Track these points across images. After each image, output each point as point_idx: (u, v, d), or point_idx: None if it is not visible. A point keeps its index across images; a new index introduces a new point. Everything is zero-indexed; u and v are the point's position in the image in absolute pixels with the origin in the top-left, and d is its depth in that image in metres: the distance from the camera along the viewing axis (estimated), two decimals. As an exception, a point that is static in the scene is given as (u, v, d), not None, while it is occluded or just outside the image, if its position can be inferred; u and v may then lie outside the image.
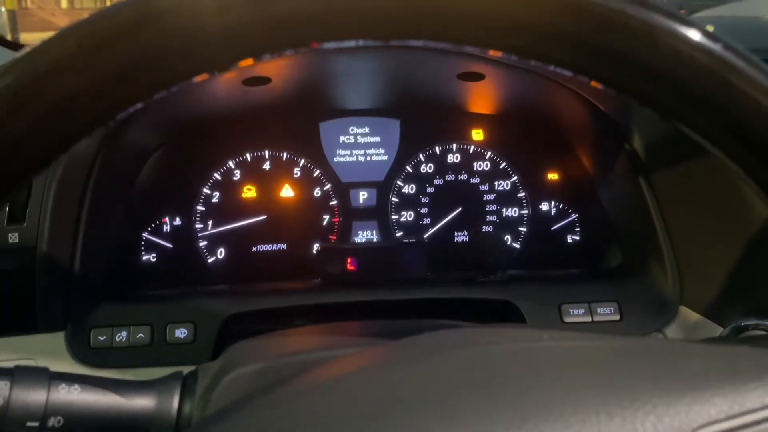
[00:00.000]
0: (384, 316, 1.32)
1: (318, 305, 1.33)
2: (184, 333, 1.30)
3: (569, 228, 1.82)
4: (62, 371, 0.84)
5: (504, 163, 1.82)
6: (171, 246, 1.71)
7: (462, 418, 0.48)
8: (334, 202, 1.79)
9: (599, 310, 1.34)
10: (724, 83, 0.51)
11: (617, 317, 1.33)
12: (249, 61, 0.49)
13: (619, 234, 1.63)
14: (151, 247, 1.70)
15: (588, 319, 1.33)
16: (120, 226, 1.54)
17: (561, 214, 1.82)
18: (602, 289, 1.38)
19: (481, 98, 1.76)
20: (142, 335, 1.28)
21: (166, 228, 1.71)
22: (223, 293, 1.42)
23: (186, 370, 0.93)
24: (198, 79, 0.49)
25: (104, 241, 1.44)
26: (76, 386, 0.83)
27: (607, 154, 1.58)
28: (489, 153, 1.82)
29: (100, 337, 1.27)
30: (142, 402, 0.86)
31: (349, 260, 1.39)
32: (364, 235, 1.80)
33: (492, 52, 0.52)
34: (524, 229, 1.82)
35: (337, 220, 1.79)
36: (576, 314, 1.34)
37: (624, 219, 1.59)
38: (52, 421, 0.81)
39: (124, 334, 1.28)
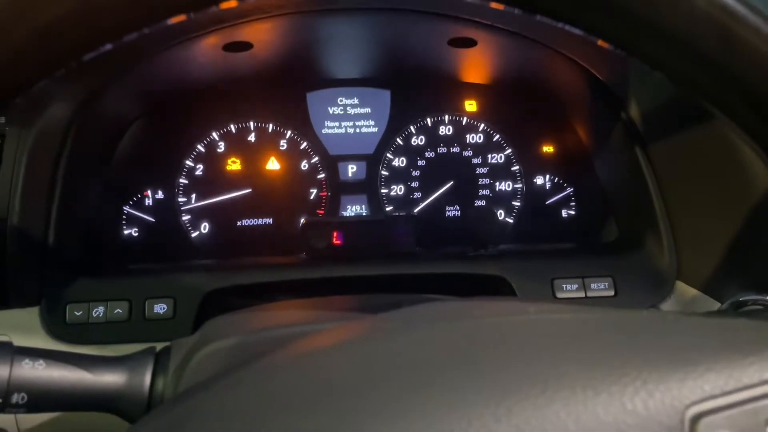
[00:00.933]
0: (371, 291, 1.28)
1: (303, 281, 1.29)
2: (164, 308, 1.26)
3: (564, 202, 1.78)
4: (27, 346, 0.80)
5: (497, 136, 1.78)
6: (153, 220, 1.67)
7: (440, 393, 0.44)
8: (321, 176, 1.75)
9: (593, 286, 1.31)
10: (723, 30, 0.48)
11: (612, 293, 1.30)
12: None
13: (616, 207, 1.59)
14: (133, 221, 1.66)
15: (581, 294, 1.30)
16: (99, 199, 1.50)
17: (556, 188, 1.78)
18: (596, 264, 1.35)
19: (474, 66, 1.71)
20: (120, 311, 1.25)
21: (148, 201, 1.68)
22: (205, 268, 1.38)
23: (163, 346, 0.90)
24: (174, 20, 0.45)
25: (81, 214, 1.40)
26: (41, 362, 0.80)
27: (603, 125, 1.54)
28: (482, 125, 1.78)
29: (76, 313, 1.23)
30: (112, 378, 0.83)
31: (335, 234, 1.35)
32: (353, 210, 1.76)
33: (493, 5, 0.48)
34: (518, 204, 1.78)
35: (325, 194, 1.75)
36: (569, 290, 1.31)
37: (620, 192, 1.56)
38: (15, 398, 0.77)
39: (101, 309, 1.25)
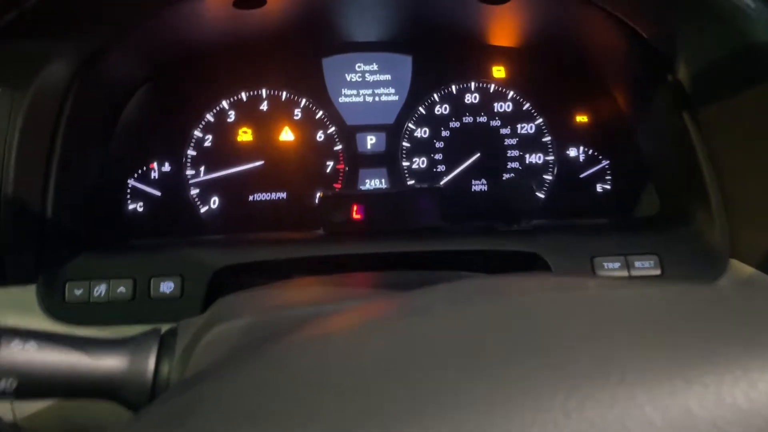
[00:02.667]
0: (394, 270, 1.23)
1: (320, 258, 1.22)
2: (171, 287, 1.20)
3: (599, 176, 1.69)
4: (16, 327, 0.73)
5: (528, 104, 1.69)
6: (159, 194, 1.60)
7: (495, 384, 0.36)
8: (338, 147, 1.67)
9: (637, 264, 1.23)
10: None
11: (657, 271, 1.21)
12: None
13: (659, 179, 1.49)
14: (138, 195, 1.59)
15: (624, 273, 1.21)
16: (101, 170, 1.43)
17: (590, 161, 1.69)
18: (640, 241, 1.26)
19: (504, 27, 1.61)
20: (123, 289, 1.18)
21: (154, 174, 1.61)
22: (214, 244, 1.31)
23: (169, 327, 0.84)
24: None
25: (81, 185, 1.33)
26: (33, 343, 0.72)
27: (646, 89, 1.44)
28: (511, 92, 1.69)
29: (75, 291, 1.17)
30: (113, 362, 0.76)
31: (354, 208, 1.28)
32: (372, 184, 1.68)
33: None
34: (549, 178, 1.69)
35: (342, 166, 1.67)
36: (611, 268, 1.22)
37: (665, 162, 1.46)
38: (2, 384, 0.70)
39: (102, 288, 1.18)
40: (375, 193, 1.38)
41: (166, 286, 1.21)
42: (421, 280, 0.99)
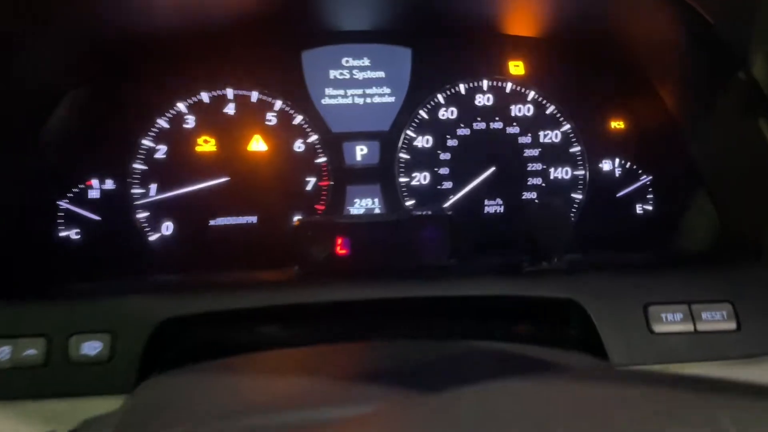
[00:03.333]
0: (388, 322, 1.02)
1: (294, 307, 0.95)
2: (97, 348, 0.97)
3: (639, 194, 1.43)
4: None
5: (552, 107, 1.44)
6: (99, 218, 1.34)
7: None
8: (321, 160, 1.41)
9: (705, 315, 0.98)
10: None
11: (732, 325, 0.97)
12: None
13: (721, 199, 1.23)
14: (72, 219, 1.33)
15: (689, 327, 0.97)
16: (20, 190, 1.16)
17: (629, 176, 1.44)
18: (706, 283, 1.02)
19: (524, 12, 1.36)
20: (34, 351, 0.96)
21: (93, 194, 1.35)
22: (160, 287, 1.07)
23: (95, 405, 0.74)
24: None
25: None
26: None
27: (708, 88, 1.18)
28: (532, 93, 1.45)
29: None
30: None
31: (339, 240, 1.01)
32: (363, 204, 1.42)
33: None
34: (579, 197, 1.43)
35: (326, 183, 1.41)
36: (672, 321, 0.98)
37: (729, 177, 1.19)
38: None
39: (6, 350, 0.95)
40: (364, 222, 1.11)
41: (91, 347, 0.99)
42: (425, 360, 0.74)
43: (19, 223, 1.18)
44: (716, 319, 1.00)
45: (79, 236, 1.33)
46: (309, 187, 1.40)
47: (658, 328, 0.99)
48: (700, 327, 0.99)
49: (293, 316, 1.05)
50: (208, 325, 1.04)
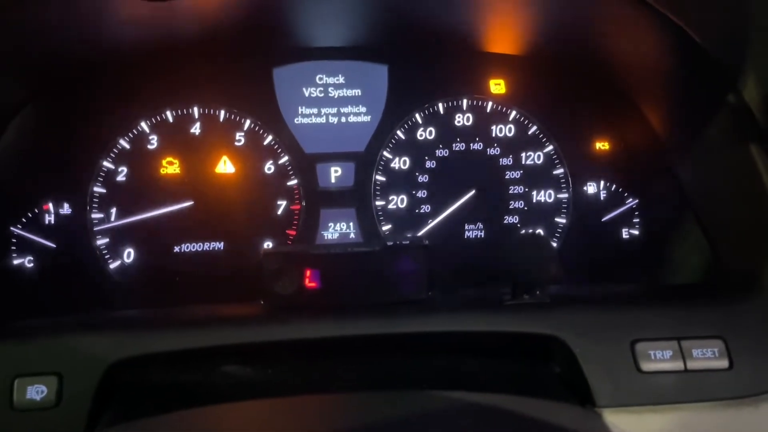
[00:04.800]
0: (359, 361, 0.98)
1: (258, 346, 0.89)
2: (42, 392, 0.91)
3: (625, 218, 1.40)
4: None
5: (534, 127, 1.41)
6: (54, 246, 1.27)
7: None
8: (293, 182, 1.37)
9: (695, 353, 0.94)
10: None
11: (724, 363, 0.93)
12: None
13: (711, 225, 1.19)
14: (25, 246, 1.26)
15: (679, 365, 0.94)
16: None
17: (614, 199, 1.40)
18: (696, 317, 0.98)
19: (505, 29, 1.33)
20: None
21: (49, 218, 1.29)
22: (114, 323, 0.98)
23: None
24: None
25: None
26: None
27: (696, 110, 1.14)
28: (513, 112, 1.41)
29: None
30: None
31: (308, 273, 0.96)
32: (337, 229, 1.38)
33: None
34: (563, 221, 1.39)
35: (298, 206, 1.36)
36: (661, 359, 0.94)
37: (718, 203, 1.16)
38: None
39: None
40: (335, 253, 1.05)
41: (36, 391, 0.91)
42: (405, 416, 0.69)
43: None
44: (707, 356, 0.96)
45: (32, 264, 1.27)
46: (280, 211, 1.35)
47: (647, 366, 0.95)
48: (691, 365, 0.95)
49: (257, 356, 1.00)
50: (164, 366, 0.98)
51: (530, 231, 1.29)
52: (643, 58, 1.22)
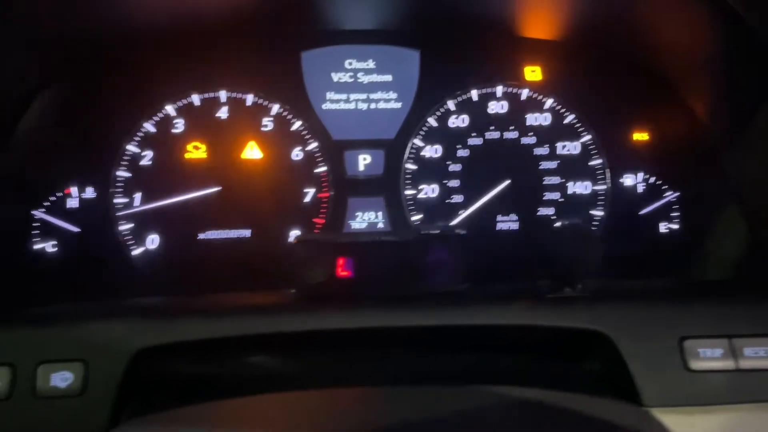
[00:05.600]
0: (391, 354, 0.95)
1: (289, 336, 0.87)
2: (68, 379, 0.87)
3: (663, 212, 1.35)
4: None
5: (571, 116, 1.37)
6: (78, 230, 1.25)
7: None
8: (321, 169, 1.34)
9: (747, 351, 0.90)
10: None
11: None
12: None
13: (757, 222, 1.15)
14: (48, 231, 1.24)
15: (730, 364, 0.89)
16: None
17: (653, 192, 1.36)
18: (746, 314, 0.95)
19: (542, 13, 1.29)
20: None
21: (72, 203, 1.27)
22: (140, 310, 0.96)
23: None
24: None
25: None
26: None
27: (744, 99, 1.10)
28: (549, 100, 1.38)
29: None
30: None
31: (341, 261, 0.92)
32: (365, 218, 1.34)
33: None
34: (599, 213, 1.35)
35: (326, 194, 1.33)
36: (710, 357, 0.90)
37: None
38: None
39: None
40: (369, 242, 1.02)
41: (61, 378, 0.88)
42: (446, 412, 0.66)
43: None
44: (760, 355, 0.91)
45: (55, 249, 1.25)
46: (307, 199, 1.32)
47: (696, 365, 0.91)
48: (743, 364, 0.91)
49: (286, 347, 0.97)
50: (190, 355, 0.95)
51: (571, 222, 1.25)
52: (690, 44, 1.17)
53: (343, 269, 0.99)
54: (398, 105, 1.36)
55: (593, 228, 1.34)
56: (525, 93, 1.36)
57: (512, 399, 0.82)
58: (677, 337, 0.93)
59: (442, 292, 0.99)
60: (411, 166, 1.34)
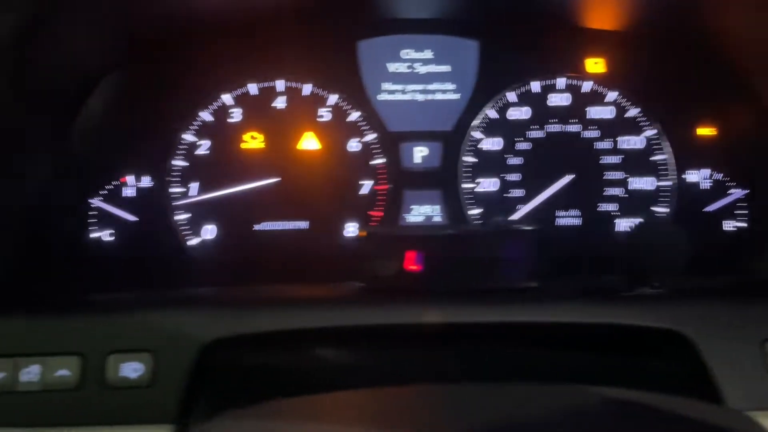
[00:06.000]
0: (468, 351, 0.92)
1: (360, 329, 0.86)
2: (138, 370, 0.87)
3: (731, 210, 1.32)
4: None
5: (635, 109, 1.35)
6: (135, 219, 1.25)
7: None
8: (378, 161, 1.32)
9: None
10: None
11: None
12: None
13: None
14: (105, 219, 1.24)
15: None
16: (48, 187, 1.07)
17: (719, 189, 1.33)
18: None
19: (606, 1, 1.26)
20: (66, 372, 0.86)
21: (128, 192, 1.27)
22: (206, 301, 0.95)
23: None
24: None
25: (13, 210, 0.97)
26: None
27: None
28: (613, 93, 1.35)
29: None
30: None
31: (410, 255, 0.90)
32: (421, 212, 1.33)
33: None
34: (663, 210, 1.32)
35: (383, 187, 1.31)
36: None
37: None
38: None
39: (35, 369, 0.87)
40: (439, 236, 1.00)
41: (131, 369, 0.88)
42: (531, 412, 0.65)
43: (47, 224, 1.09)
44: None
45: (112, 238, 1.25)
46: (364, 191, 1.30)
47: (778, 367, 0.88)
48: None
49: (355, 341, 0.95)
50: (259, 348, 0.94)
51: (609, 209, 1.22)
52: (762, 34, 1.14)
53: (412, 263, 0.98)
54: (456, 96, 1.34)
55: (636, 221, 1.32)
56: (587, 85, 1.34)
57: (597, 398, 0.80)
58: (759, 339, 0.90)
59: (514, 288, 0.97)
60: (470, 159, 1.32)
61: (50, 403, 0.86)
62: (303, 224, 1.29)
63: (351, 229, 1.29)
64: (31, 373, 0.87)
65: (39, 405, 0.86)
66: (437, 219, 1.32)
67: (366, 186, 1.31)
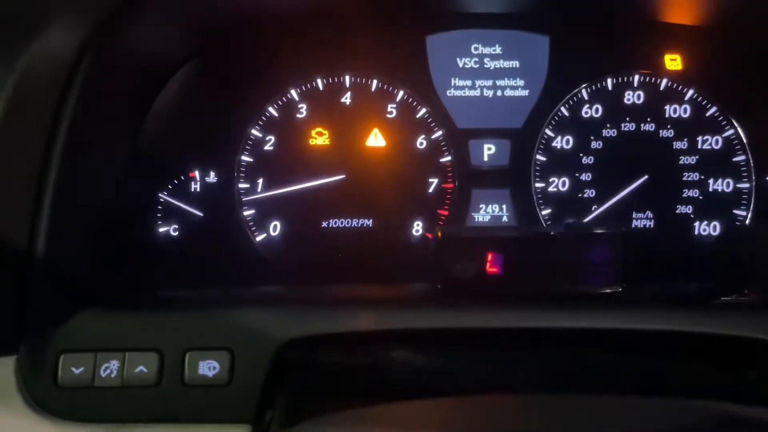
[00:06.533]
0: (553, 358, 0.91)
1: (440, 332, 0.86)
2: (214, 368, 0.87)
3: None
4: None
5: (714, 108, 1.31)
6: (201, 214, 1.26)
7: None
8: (446, 159, 1.30)
9: None
10: None
11: None
12: None
13: None
14: (171, 214, 1.24)
15: None
16: (120, 182, 1.07)
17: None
18: None
19: None
20: (144, 368, 0.86)
21: (195, 186, 1.27)
22: (283, 300, 0.95)
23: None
24: None
25: (90, 205, 0.98)
26: None
27: None
28: (690, 91, 1.31)
29: (73, 369, 0.86)
30: None
31: (489, 257, 0.88)
32: (489, 211, 1.31)
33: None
34: (742, 213, 1.28)
35: (451, 185, 1.29)
36: None
37: None
38: None
39: (114, 364, 0.87)
40: (520, 238, 0.98)
41: (209, 366, 0.88)
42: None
43: (115, 222, 1.09)
44: None
45: (177, 233, 1.25)
46: (431, 190, 1.29)
47: None
48: None
49: (431, 348, 0.93)
50: (334, 350, 0.92)
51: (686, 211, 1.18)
52: None
53: (492, 265, 0.95)
54: (525, 93, 1.31)
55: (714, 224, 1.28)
56: (664, 83, 1.30)
57: (689, 411, 0.77)
58: None
59: (598, 293, 0.95)
60: (541, 158, 1.29)
61: (128, 399, 0.86)
62: (368, 222, 1.27)
63: (417, 228, 1.27)
64: (110, 368, 0.87)
65: (117, 401, 0.85)
66: (505, 219, 1.30)
67: (433, 184, 1.29)
